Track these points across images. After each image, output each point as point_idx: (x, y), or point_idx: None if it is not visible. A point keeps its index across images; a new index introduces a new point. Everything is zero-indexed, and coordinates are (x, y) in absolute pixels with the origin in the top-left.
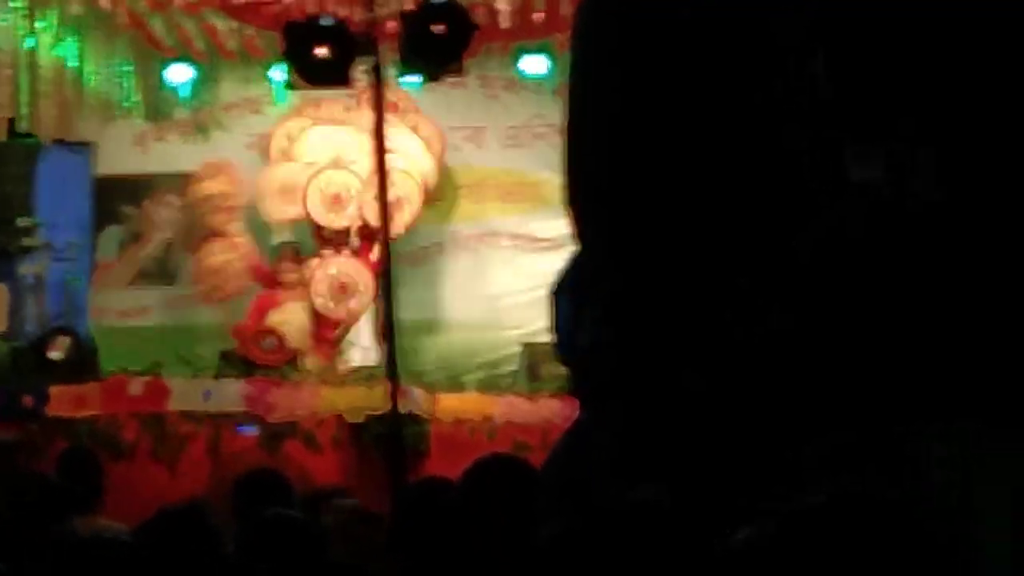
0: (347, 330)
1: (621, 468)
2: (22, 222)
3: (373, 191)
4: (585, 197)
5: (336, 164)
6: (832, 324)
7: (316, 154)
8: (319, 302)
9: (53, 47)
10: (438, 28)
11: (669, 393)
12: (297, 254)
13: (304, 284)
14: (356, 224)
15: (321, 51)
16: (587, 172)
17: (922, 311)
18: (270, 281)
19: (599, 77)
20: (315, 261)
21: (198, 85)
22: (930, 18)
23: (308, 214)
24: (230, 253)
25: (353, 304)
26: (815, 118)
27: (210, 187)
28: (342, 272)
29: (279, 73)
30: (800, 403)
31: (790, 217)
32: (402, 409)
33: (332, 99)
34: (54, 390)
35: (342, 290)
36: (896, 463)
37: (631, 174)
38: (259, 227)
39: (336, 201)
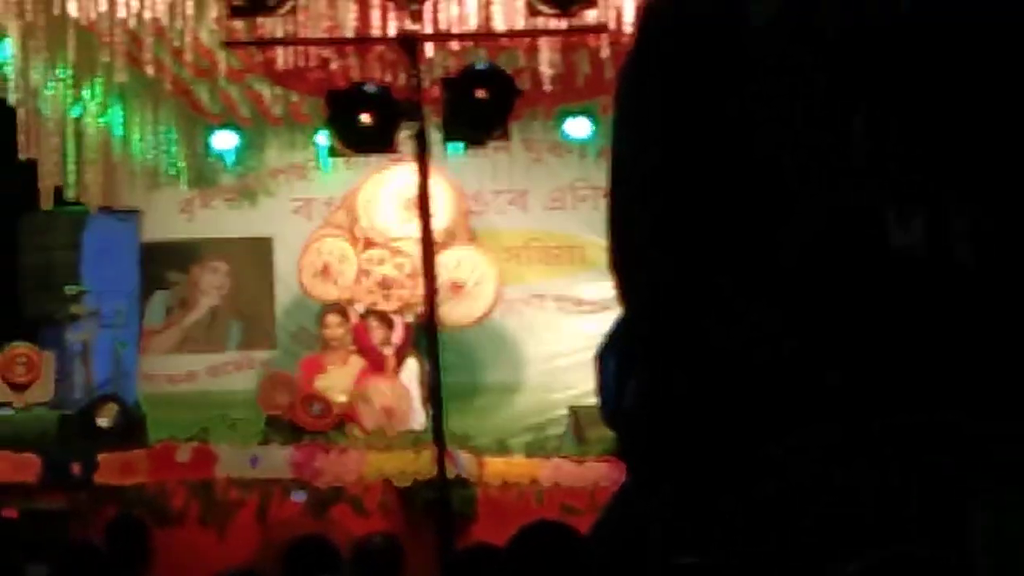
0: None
1: (672, 535)
2: (69, 290)
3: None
4: (625, 256)
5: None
6: (819, 323)
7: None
8: (364, 410)
9: (99, 115)
10: (481, 93)
11: (725, 458)
12: (343, 315)
13: (349, 347)
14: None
15: (365, 118)
16: (626, 231)
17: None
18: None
19: (635, 127)
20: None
21: (243, 151)
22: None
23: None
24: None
25: (386, 424)
26: (795, 121)
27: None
28: (395, 398)
29: (324, 138)
30: (784, 397)
31: (771, 220)
32: (449, 474)
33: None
34: (102, 457)
35: (389, 415)
36: (939, 524)
37: (667, 218)
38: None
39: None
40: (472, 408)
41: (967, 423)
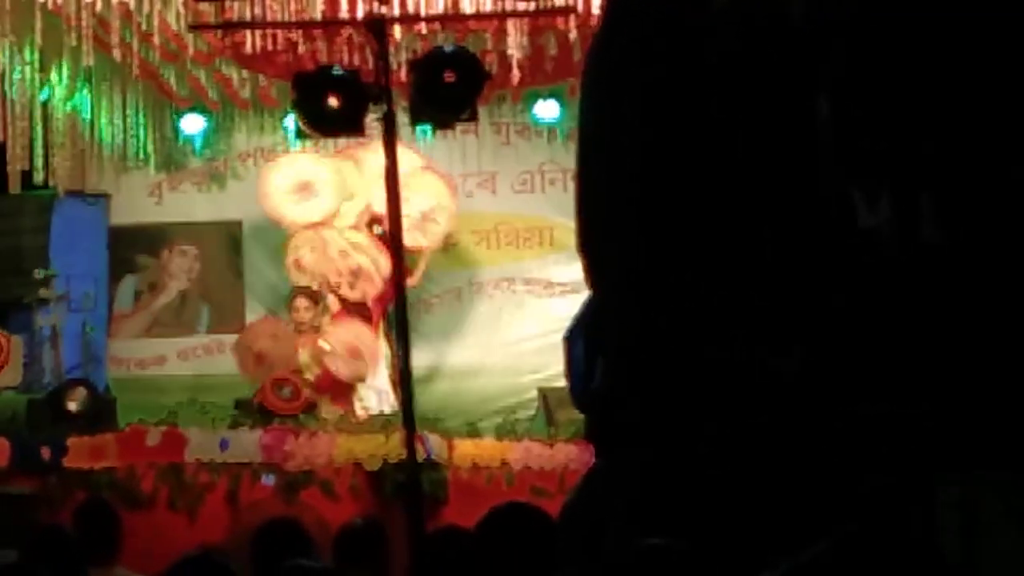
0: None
1: (637, 516)
2: (38, 274)
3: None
4: (594, 239)
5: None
6: (789, 315)
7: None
8: (330, 360)
9: (67, 99)
10: (449, 76)
11: (688, 440)
12: (311, 298)
13: (319, 330)
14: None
15: (332, 101)
16: (597, 213)
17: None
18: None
19: (606, 118)
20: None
21: (212, 135)
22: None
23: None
24: None
25: (359, 369)
26: (761, 109)
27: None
28: (359, 338)
29: (293, 122)
30: (742, 387)
31: (746, 211)
32: (419, 457)
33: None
34: (72, 442)
35: (354, 354)
36: (904, 507)
37: (639, 208)
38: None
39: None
40: (442, 391)
41: (926, 414)
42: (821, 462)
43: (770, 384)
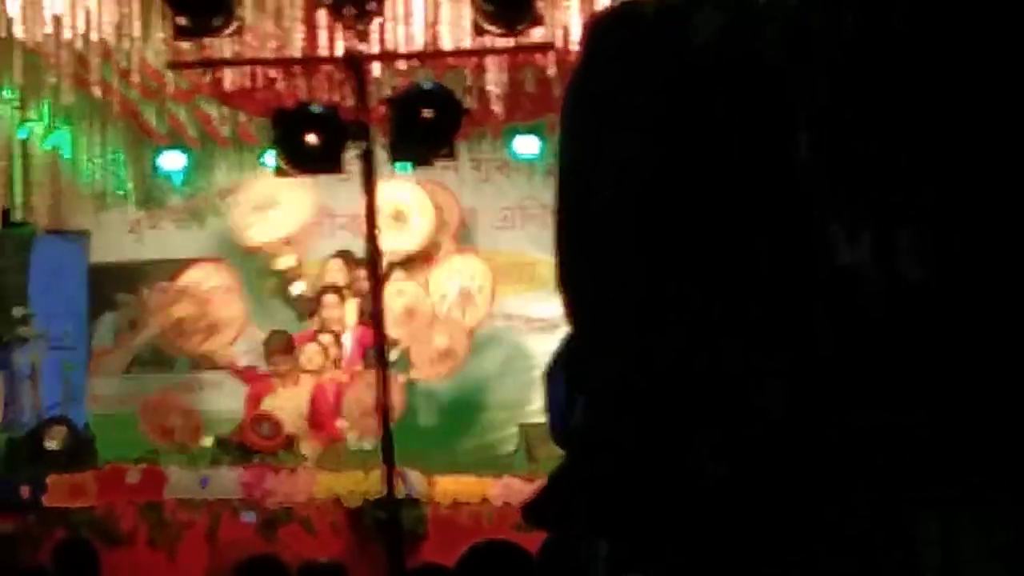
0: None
1: (614, 555)
2: (17, 312)
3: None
4: (571, 277)
5: None
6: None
7: None
8: (344, 425)
9: (46, 137)
10: (427, 113)
11: (682, 452)
12: (289, 344)
13: (298, 371)
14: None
15: (311, 137)
16: (571, 252)
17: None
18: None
19: (580, 155)
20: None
21: (191, 172)
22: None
23: None
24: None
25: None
26: (739, 146)
27: (177, 311)
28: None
29: (273, 159)
30: (725, 408)
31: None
32: (399, 493)
33: None
34: (51, 480)
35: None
36: (888, 533)
37: (615, 247)
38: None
39: None
40: (422, 427)
41: (921, 424)
42: (815, 473)
43: (763, 392)
